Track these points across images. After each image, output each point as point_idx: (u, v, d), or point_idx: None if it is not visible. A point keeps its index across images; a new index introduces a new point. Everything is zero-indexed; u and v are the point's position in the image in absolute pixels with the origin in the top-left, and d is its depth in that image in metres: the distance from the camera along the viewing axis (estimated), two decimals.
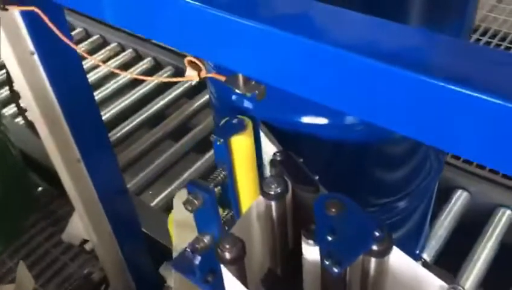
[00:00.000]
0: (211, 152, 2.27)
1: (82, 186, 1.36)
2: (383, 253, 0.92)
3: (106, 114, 2.48)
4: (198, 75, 0.90)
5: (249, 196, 1.28)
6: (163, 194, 2.12)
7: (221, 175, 1.16)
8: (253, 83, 0.89)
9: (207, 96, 2.52)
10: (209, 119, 2.43)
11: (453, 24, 1.18)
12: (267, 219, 1.07)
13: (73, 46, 1.07)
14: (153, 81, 2.57)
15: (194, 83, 0.96)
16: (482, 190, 1.94)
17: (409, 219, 1.55)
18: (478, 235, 1.83)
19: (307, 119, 1.25)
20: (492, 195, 1.92)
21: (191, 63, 0.91)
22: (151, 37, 0.88)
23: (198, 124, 2.43)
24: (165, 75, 2.67)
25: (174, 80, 0.99)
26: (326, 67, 0.61)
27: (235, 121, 1.14)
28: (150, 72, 2.77)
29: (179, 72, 2.66)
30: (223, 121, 1.15)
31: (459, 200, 1.93)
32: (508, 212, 1.86)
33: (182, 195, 1.53)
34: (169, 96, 2.58)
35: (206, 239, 1.05)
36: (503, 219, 1.84)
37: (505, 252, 1.80)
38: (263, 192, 1.01)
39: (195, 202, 1.06)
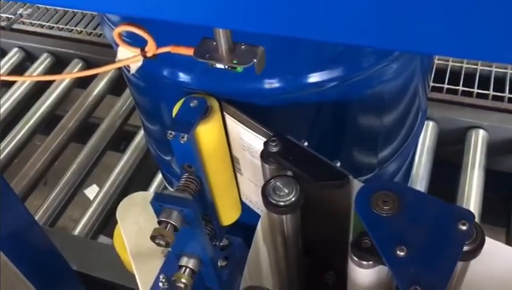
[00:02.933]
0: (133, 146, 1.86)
1: None
2: (476, 251, 0.63)
3: None
4: (143, 53, 0.52)
5: (227, 198, 0.93)
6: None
7: (194, 181, 0.80)
8: (243, 47, 0.53)
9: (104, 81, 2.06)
10: (116, 107, 1.99)
11: None
12: (278, 235, 0.74)
13: None
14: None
15: (132, 71, 0.58)
16: (446, 114, 1.74)
17: (396, 176, 1.28)
18: (460, 165, 1.63)
19: (274, 84, 0.87)
20: (459, 117, 1.73)
21: (126, 37, 0.53)
22: None
23: (105, 116, 1.98)
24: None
25: (99, 70, 0.59)
26: None
27: (193, 103, 0.76)
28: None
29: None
30: (177, 107, 0.77)
31: (427, 132, 1.71)
32: (481, 132, 1.69)
33: (126, 209, 1.16)
34: (59, 90, 2.05)
35: (192, 264, 0.84)
36: (479, 142, 1.66)
37: (492, 176, 1.63)
38: (270, 204, 0.67)
39: (171, 227, 0.71)
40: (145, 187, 1.80)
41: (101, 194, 1.74)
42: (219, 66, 0.54)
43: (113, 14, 0.68)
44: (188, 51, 0.55)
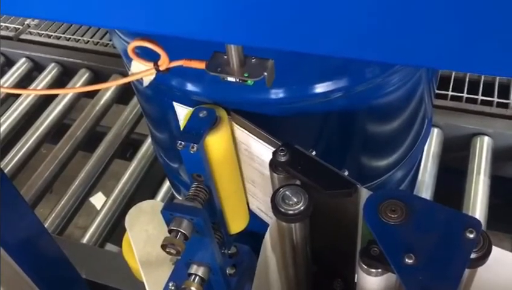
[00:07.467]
0: (139, 155, 1.87)
1: None
2: (484, 259, 0.64)
3: None
4: (156, 67, 0.54)
5: (236, 207, 0.94)
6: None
7: (203, 190, 0.81)
8: (254, 60, 0.55)
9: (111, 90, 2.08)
10: (123, 116, 2.00)
11: None
12: (286, 244, 0.75)
13: None
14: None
15: (145, 84, 0.59)
16: (451, 121, 1.75)
17: (402, 184, 1.29)
18: (465, 171, 1.64)
19: (281, 94, 0.88)
20: (464, 124, 1.74)
21: (138, 51, 0.54)
22: None
23: (112, 126, 2.00)
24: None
25: (111, 84, 0.61)
26: None
27: (202, 113, 0.78)
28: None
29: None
30: (186, 117, 0.78)
31: (432, 139, 1.72)
32: (486, 139, 1.70)
33: (134, 217, 1.17)
34: (66, 99, 2.07)
35: (201, 272, 0.86)
36: (484, 148, 1.67)
37: (497, 183, 1.64)
38: (280, 212, 0.68)
39: (181, 235, 0.73)
40: (152, 195, 1.82)
41: (109, 202, 1.76)
42: (230, 79, 0.55)
43: (128, 30, 0.70)
44: (200, 65, 0.56)
